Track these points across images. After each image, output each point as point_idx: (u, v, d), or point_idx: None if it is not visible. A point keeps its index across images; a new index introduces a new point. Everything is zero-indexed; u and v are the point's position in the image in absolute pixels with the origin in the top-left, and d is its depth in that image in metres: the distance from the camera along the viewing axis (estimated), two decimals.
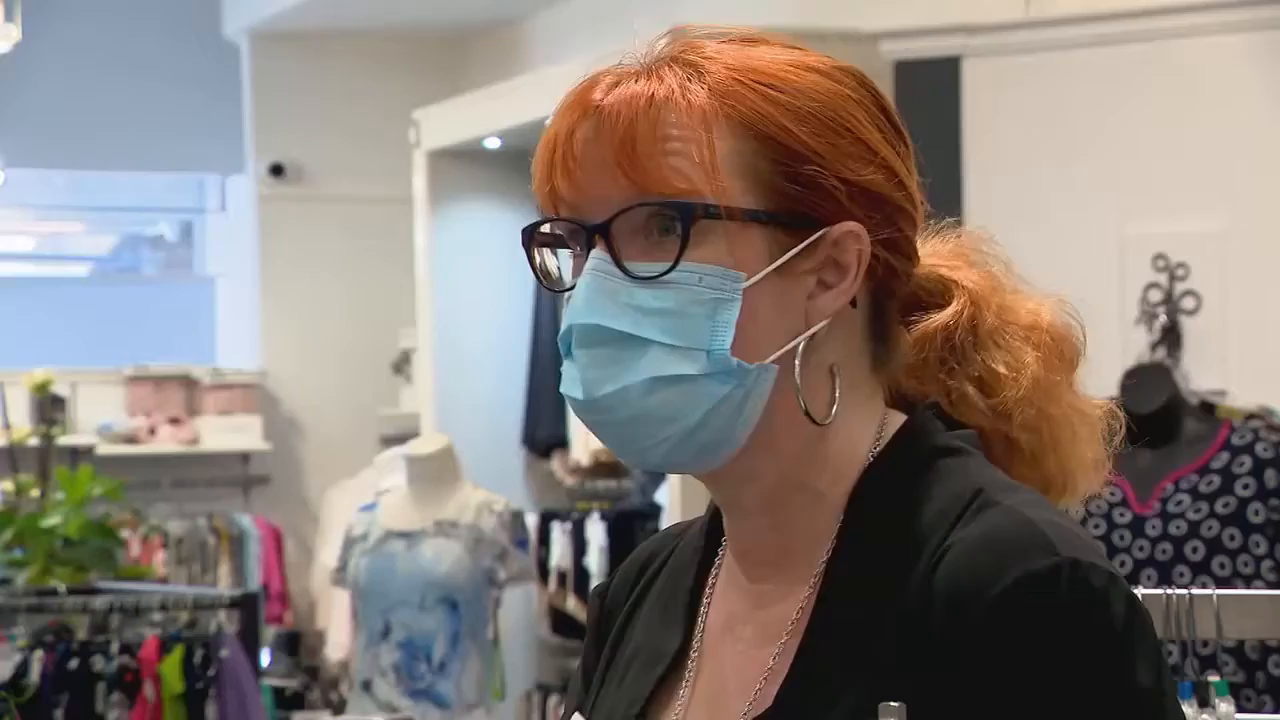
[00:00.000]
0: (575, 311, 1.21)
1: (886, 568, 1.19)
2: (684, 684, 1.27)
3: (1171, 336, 4.69)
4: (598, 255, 1.20)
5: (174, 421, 8.50)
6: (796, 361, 1.20)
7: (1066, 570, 1.13)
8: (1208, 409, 3.84)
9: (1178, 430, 3.79)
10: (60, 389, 8.21)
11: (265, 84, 8.80)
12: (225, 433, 8.53)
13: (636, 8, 7.15)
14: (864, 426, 1.24)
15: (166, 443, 8.46)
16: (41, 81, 8.63)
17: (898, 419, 1.26)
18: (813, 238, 1.20)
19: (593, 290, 1.20)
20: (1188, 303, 4.93)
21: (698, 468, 1.24)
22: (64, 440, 8.04)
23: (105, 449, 8.25)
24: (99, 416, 8.40)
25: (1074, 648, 1.12)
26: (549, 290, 1.25)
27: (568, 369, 1.22)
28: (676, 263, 1.18)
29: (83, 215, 9.95)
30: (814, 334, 1.21)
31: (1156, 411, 3.80)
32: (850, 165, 1.22)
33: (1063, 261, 5.03)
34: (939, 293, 1.30)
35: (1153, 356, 4.46)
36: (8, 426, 7.13)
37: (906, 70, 5.34)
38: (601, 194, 1.20)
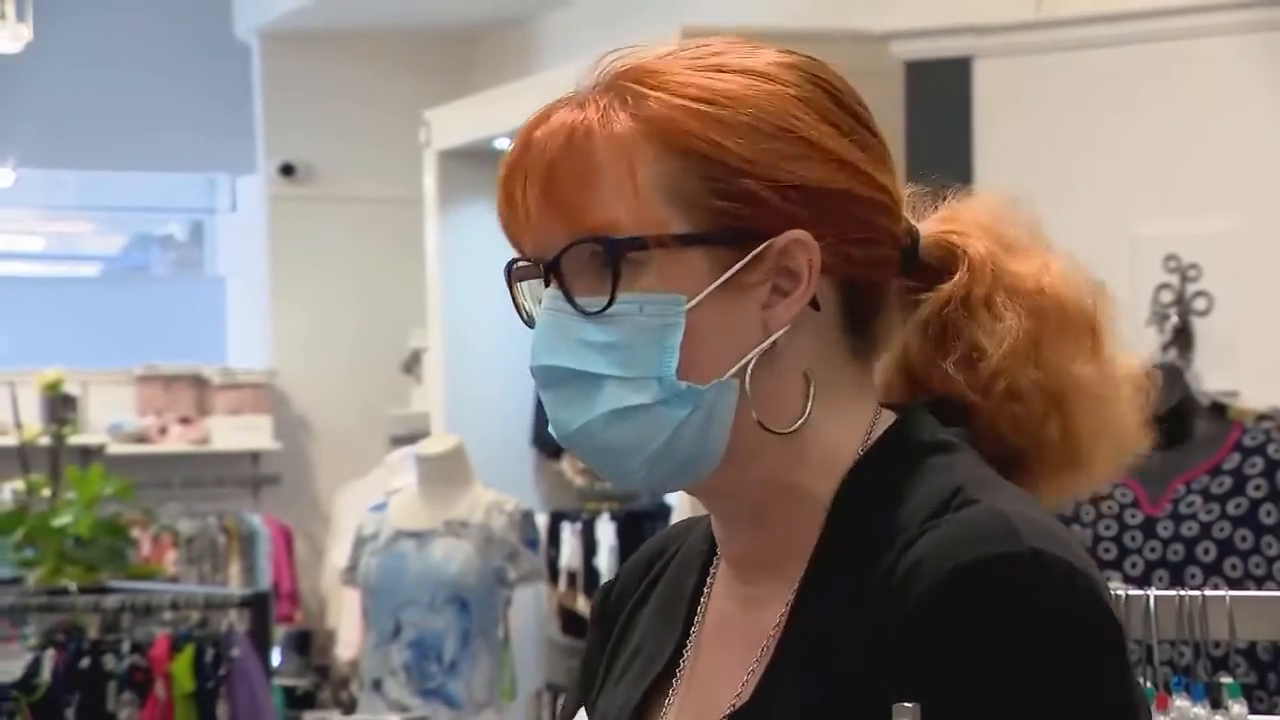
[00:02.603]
0: (534, 353, 1.21)
1: (863, 565, 1.18)
2: (673, 687, 1.28)
3: (1183, 337, 4.68)
4: (551, 292, 1.21)
5: (184, 421, 8.51)
6: (746, 374, 1.19)
7: (1027, 558, 1.11)
8: (1219, 410, 3.84)
9: (1189, 431, 3.78)
10: (71, 388, 8.22)
11: (276, 84, 8.80)
12: (235, 432, 8.54)
13: (646, 7, 7.15)
14: (849, 424, 1.23)
15: (177, 442, 8.47)
16: (51, 81, 8.64)
17: (889, 417, 1.25)
18: (754, 252, 1.19)
19: (547, 329, 1.21)
20: (1199, 304, 4.92)
21: (682, 484, 1.24)
22: (75, 440, 8.05)
23: (116, 448, 8.26)
24: (109, 416, 8.41)
25: (1023, 634, 1.10)
26: (529, 326, 1.25)
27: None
28: (612, 298, 1.18)
29: (93, 215, 9.97)
30: (774, 343, 1.20)
31: (1168, 413, 3.79)
32: (787, 167, 1.19)
33: None
34: (947, 260, 1.27)
35: (1164, 357, 4.45)
36: (19, 426, 7.13)
37: (917, 71, 5.33)
38: (545, 232, 1.21)
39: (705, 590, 1.30)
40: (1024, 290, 1.25)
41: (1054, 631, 1.11)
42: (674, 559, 1.35)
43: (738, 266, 1.19)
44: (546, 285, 1.21)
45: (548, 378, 1.21)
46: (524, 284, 1.25)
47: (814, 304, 1.21)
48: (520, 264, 1.24)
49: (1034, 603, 1.11)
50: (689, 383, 1.18)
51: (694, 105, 1.19)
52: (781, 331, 1.20)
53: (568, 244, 1.19)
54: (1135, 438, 1.28)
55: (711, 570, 1.31)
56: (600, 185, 1.19)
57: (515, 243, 1.24)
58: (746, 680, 1.22)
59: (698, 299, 1.18)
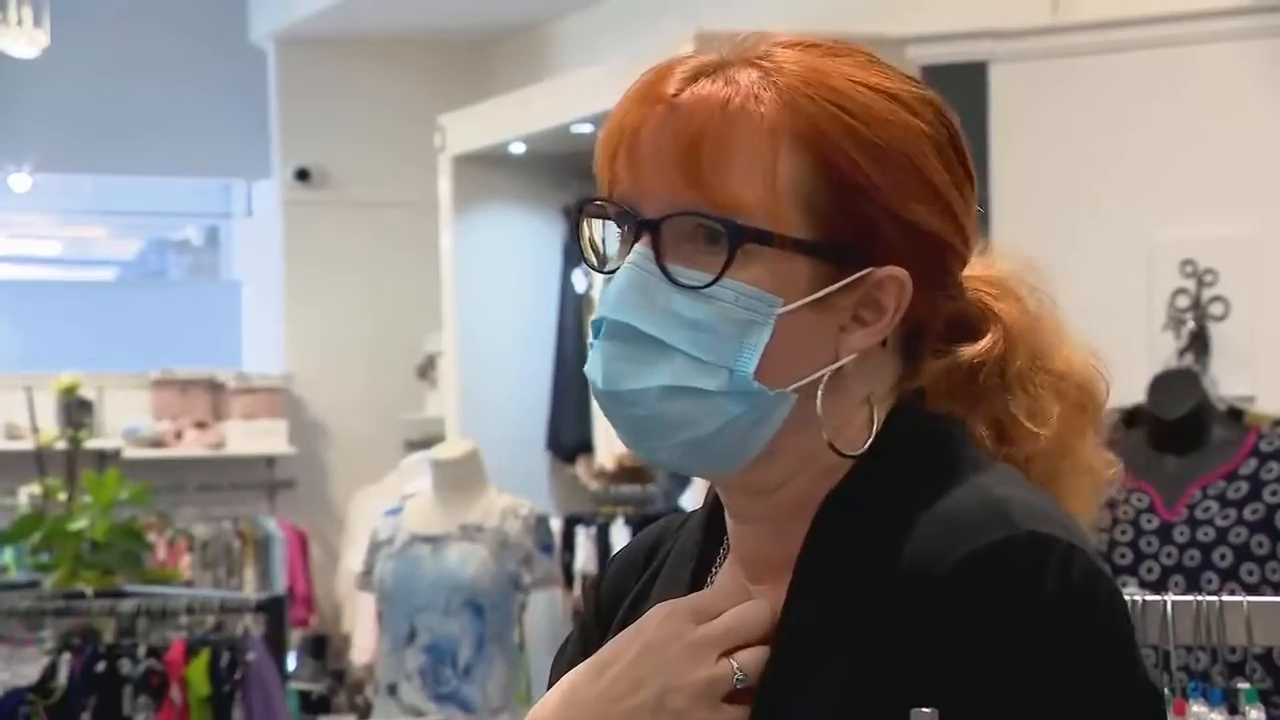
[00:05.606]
0: (609, 304, 1.20)
1: (858, 548, 1.19)
2: None
3: (1199, 342, 4.67)
4: (641, 250, 1.20)
5: (200, 425, 8.52)
6: (820, 392, 1.20)
7: (1022, 541, 1.12)
8: (1235, 415, 3.83)
9: (1205, 437, 3.78)
10: (87, 393, 8.23)
11: (291, 89, 8.82)
12: (251, 437, 8.55)
13: (662, 12, 7.15)
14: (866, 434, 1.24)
15: (192, 446, 8.48)
16: (68, 86, 8.66)
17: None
18: (856, 275, 1.19)
19: (630, 285, 1.20)
20: (1216, 309, 4.91)
21: (709, 474, 1.24)
22: (91, 444, 8.06)
23: (132, 453, 8.27)
24: (126, 420, 8.42)
25: (1030, 619, 1.11)
26: (593, 267, 1.24)
27: (594, 351, 1.22)
28: (718, 279, 1.18)
29: (109, 220, 9.99)
30: (840, 367, 1.20)
31: (1184, 418, 3.78)
32: (910, 205, 1.20)
33: (1091, 267, 5.01)
34: (977, 321, 1.28)
35: (1180, 362, 4.44)
36: (35, 430, 7.15)
37: (933, 75, 5.32)
38: (659, 191, 1.20)
39: (709, 582, 1.30)
40: (1054, 372, 1.27)
41: (1060, 613, 1.12)
42: (672, 550, 1.35)
43: (836, 286, 1.19)
44: (635, 239, 1.20)
45: (619, 332, 1.19)
46: (595, 221, 1.23)
47: (884, 340, 1.22)
48: (601, 205, 1.22)
49: (1037, 586, 1.12)
50: (760, 384, 1.18)
51: (838, 111, 1.19)
52: (850, 358, 1.21)
53: (687, 212, 1.18)
54: (1087, 514, 1.27)
55: (716, 565, 1.31)
56: (741, 167, 1.18)
57: (609, 188, 1.22)
58: None
59: (791, 307, 1.18)
